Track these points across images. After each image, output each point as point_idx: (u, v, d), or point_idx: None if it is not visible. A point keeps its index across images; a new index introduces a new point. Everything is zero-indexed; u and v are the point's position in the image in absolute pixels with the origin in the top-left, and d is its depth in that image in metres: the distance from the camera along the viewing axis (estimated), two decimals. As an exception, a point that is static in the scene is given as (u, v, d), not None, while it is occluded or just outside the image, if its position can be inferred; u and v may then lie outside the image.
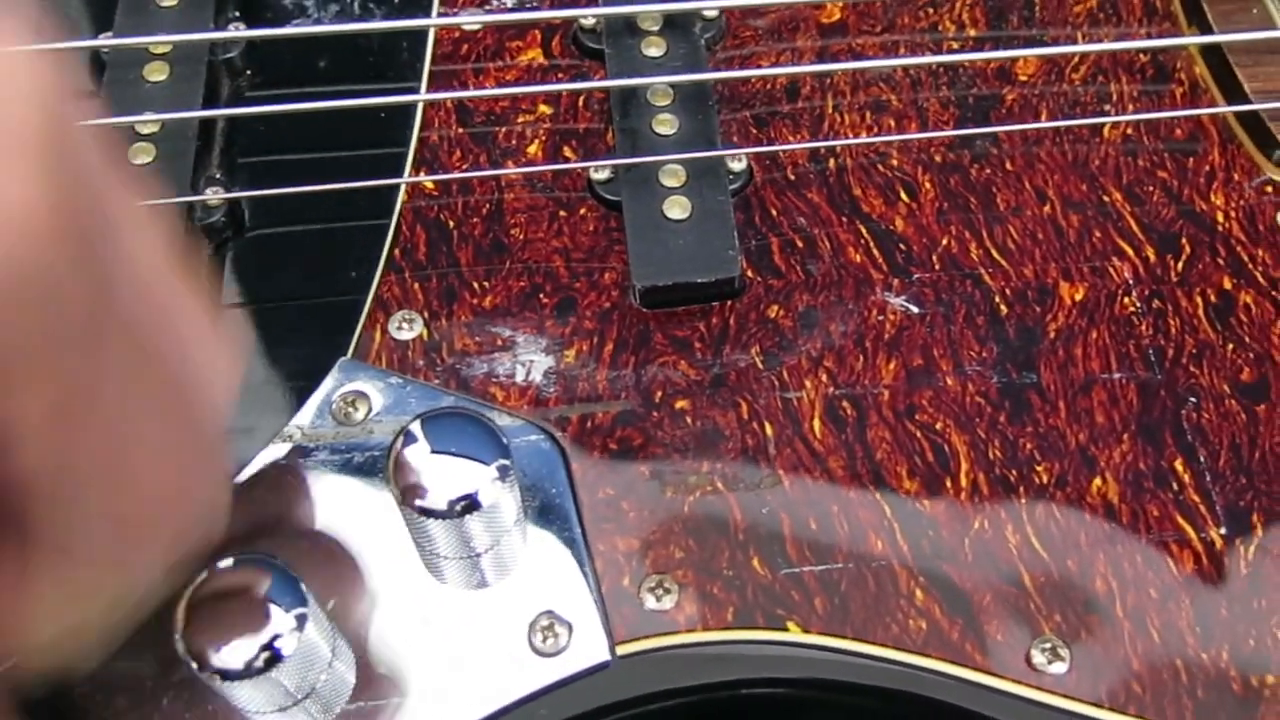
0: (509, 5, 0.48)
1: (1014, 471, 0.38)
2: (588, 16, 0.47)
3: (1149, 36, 0.48)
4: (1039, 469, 0.38)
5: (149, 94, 0.44)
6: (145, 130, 0.43)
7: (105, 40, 0.45)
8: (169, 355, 0.23)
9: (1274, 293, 0.42)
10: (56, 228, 0.18)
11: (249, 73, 0.47)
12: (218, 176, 0.44)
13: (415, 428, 0.34)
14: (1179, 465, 0.39)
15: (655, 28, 0.46)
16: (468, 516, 0.34)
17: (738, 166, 0.43)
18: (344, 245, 0.43)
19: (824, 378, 0.40)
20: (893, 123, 0.45)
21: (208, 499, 0.26)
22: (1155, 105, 0.46)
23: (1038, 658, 0.36)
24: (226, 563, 0.33)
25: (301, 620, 0.32)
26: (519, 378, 0.40)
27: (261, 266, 0.42)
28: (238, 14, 0.48)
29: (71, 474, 0.21)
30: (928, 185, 0.44)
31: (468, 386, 0.40)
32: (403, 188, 0.44)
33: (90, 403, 0.20)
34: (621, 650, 0.36)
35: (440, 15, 0.48)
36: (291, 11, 0.48)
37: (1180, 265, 0.42)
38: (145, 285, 0.22)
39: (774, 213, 0.43)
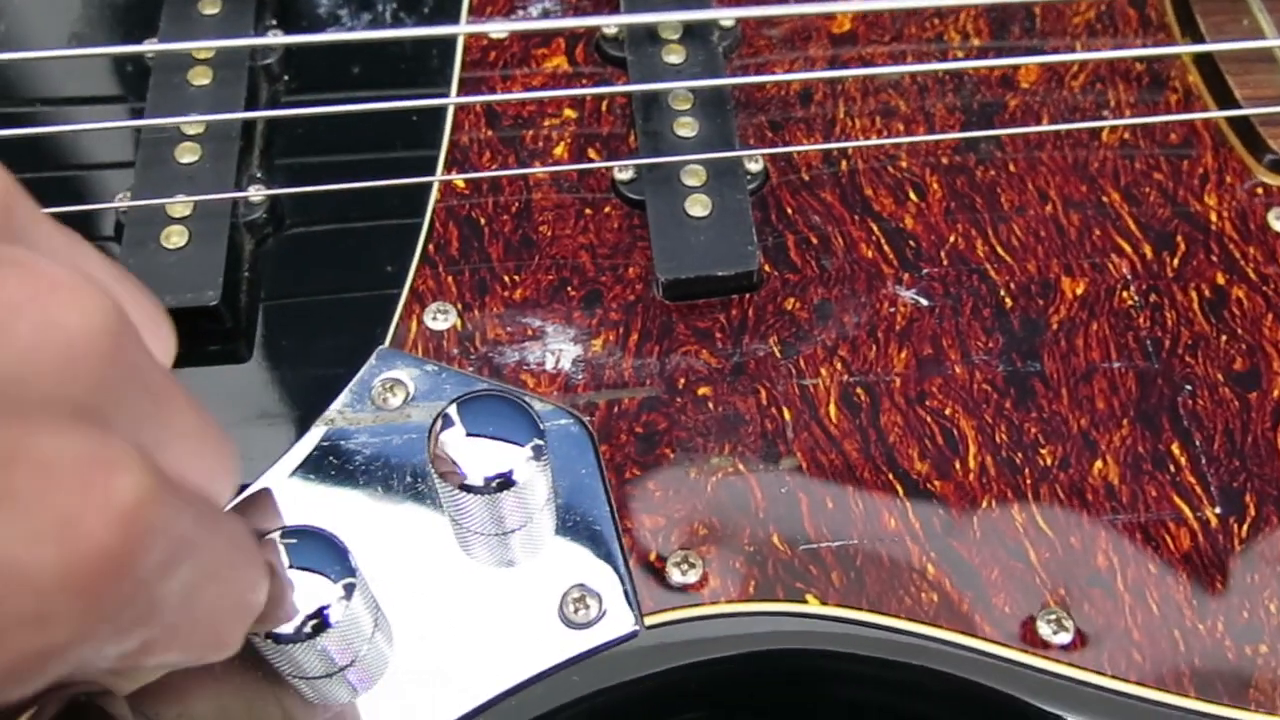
0: (534, 15, 0.51)
1: (1019, 454, 0.40)
2: (610, 25, 0.49)
3: (1144, 46, 0.50)
4: (1043, 452, 0.40)
5: (193, 97, 0.46)
6: (191, 131, 0.45)
7: (151, 45, 0.47)
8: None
9: (1265, 288, 0.44)
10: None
11: (286, 78, 0.49)
12: (259, 175, 0.46)
13: (453, 410, 0.36)
14: (1176, 449, 0.41)
15: (675, 36, 0.48)
16: (503, 494, 0.36)
17: (755, 167, 0.46)
18: (380, 241, 0.45)
19: (839, 366, 0.42)
20: (901, 127, 0.48)
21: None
22: (1151, 111, 0.48)
23: (1043, 629, 0.38)
24: (276, 533, 0.34)
25: (349, 590, 0.34)
26: (549, 366, 0.42)
27: (302, 261, 0.44)
28: (275, 22, 0.50)
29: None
30: (935, 186, 0.46)
31: (500, 374, 0.42)
32: (435, 186, 0.46)
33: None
34: (649, 621, 0.38)
35: (469, 23, 0.50)
36: (327, 20, 0.51)
37: (1176, 262, 0.44)
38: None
39: (790, 211, 0.45)
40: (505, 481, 0.36)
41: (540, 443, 0.36)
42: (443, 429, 0.36)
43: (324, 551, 0.35)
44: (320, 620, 0.34)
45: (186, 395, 0.28)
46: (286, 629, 0.34)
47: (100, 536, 0.22)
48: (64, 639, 0.23)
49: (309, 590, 0.34)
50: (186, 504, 0.26)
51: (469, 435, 0.36)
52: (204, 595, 0.27)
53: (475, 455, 0.36)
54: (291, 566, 0.34)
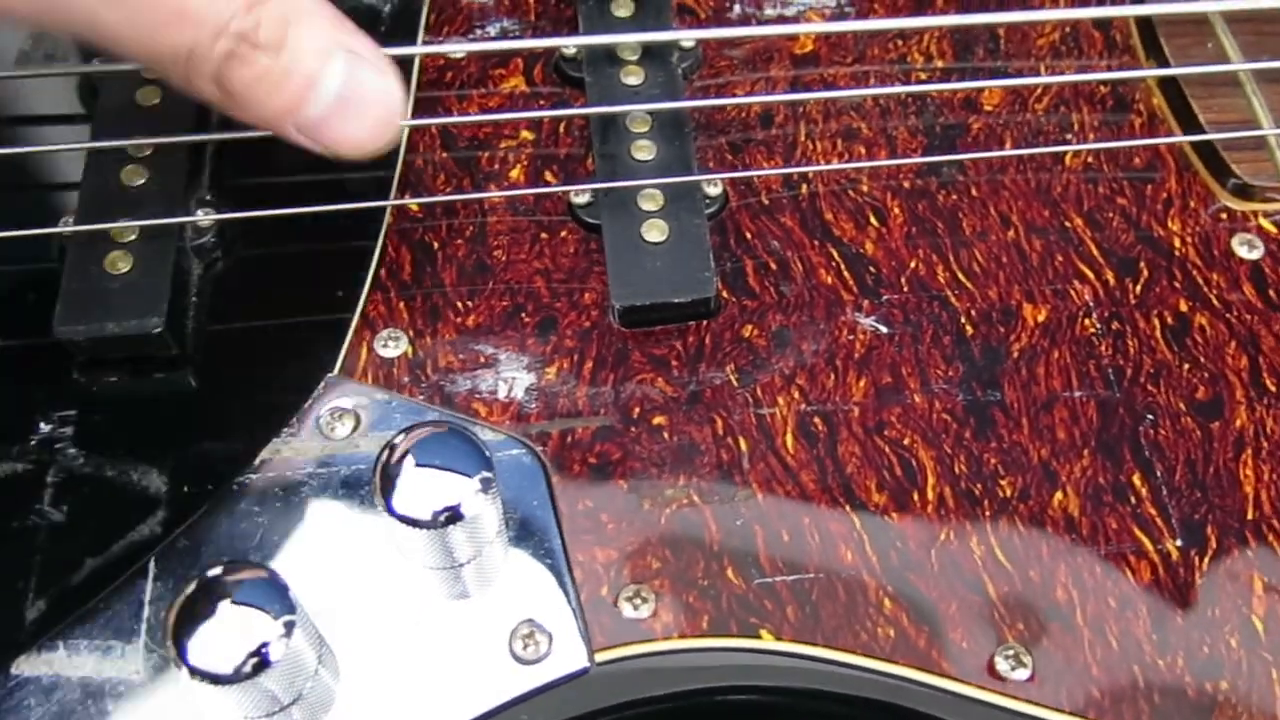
0: (492, 34, 0.50)
1: (979, 485, 0.40)
2: (569, 46, 0.48)
3: (1109, 69, 0.50)
4: (1003, 483, 0.40)
5: (142, 118, 0.45)
6: (138, 153, 0.44)
7: (99, 66, 0.46)
8: None
9: (1228, 315, 0.43)
10: None
11: (239, 98, 0.48)
12: (208, 199, 0.45)
13: (401, 441, 0.36)
14: (1137, 480, 0.40)
15: (634, 57, 0.47)
16: (451, 527, 0.35)
17: (714, 191, 0.45)
18: (331, 266, 0.44)
19: (796, 395, 0.41)
20: (863, 150, 0.47)
21: None
22: (1115, 135, 0.48)
23: (1001, 665, 0.37)
24: (217, 569, 0.34)
25: (290, 627, 0.33)
26: (501, 394, 0.41)
27: (250, 286, 0.44)
28: (228, 41, 0.49)
29: None
30: (896, 210, 0.45)
31: (451, 402, 0.41)
32: (388, 210, 0.45)
33: None
34: (600, 657, 0.37)
35: (426, 43, 0.49)
36: (281, 39, 0.50)
37: (1139, 288, 0.44)
38: None
39: (749, 236, 0.45)
40: (453, 515, 0.35)
41: (488, 475, 0.35)
42: (390, 461, 0.35)
43: (264, 588, 0.34)
44: (260, 659, 0.33)
45: None
46: (226, 668, 0.33)
47: None
48: None
49: (249, 627, 0.33)
50: None
51: (417, 467, 0.35)
52: None
53: (423, 488, 0.35)
54: (232, 603, 0.33)
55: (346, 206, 0.44)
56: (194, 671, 0.32)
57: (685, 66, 0.48)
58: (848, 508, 0.39)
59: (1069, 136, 0.48)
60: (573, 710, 0.38)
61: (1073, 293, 0.44)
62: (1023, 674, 0.37)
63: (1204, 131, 0.47)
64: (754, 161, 0.47)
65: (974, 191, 0.46)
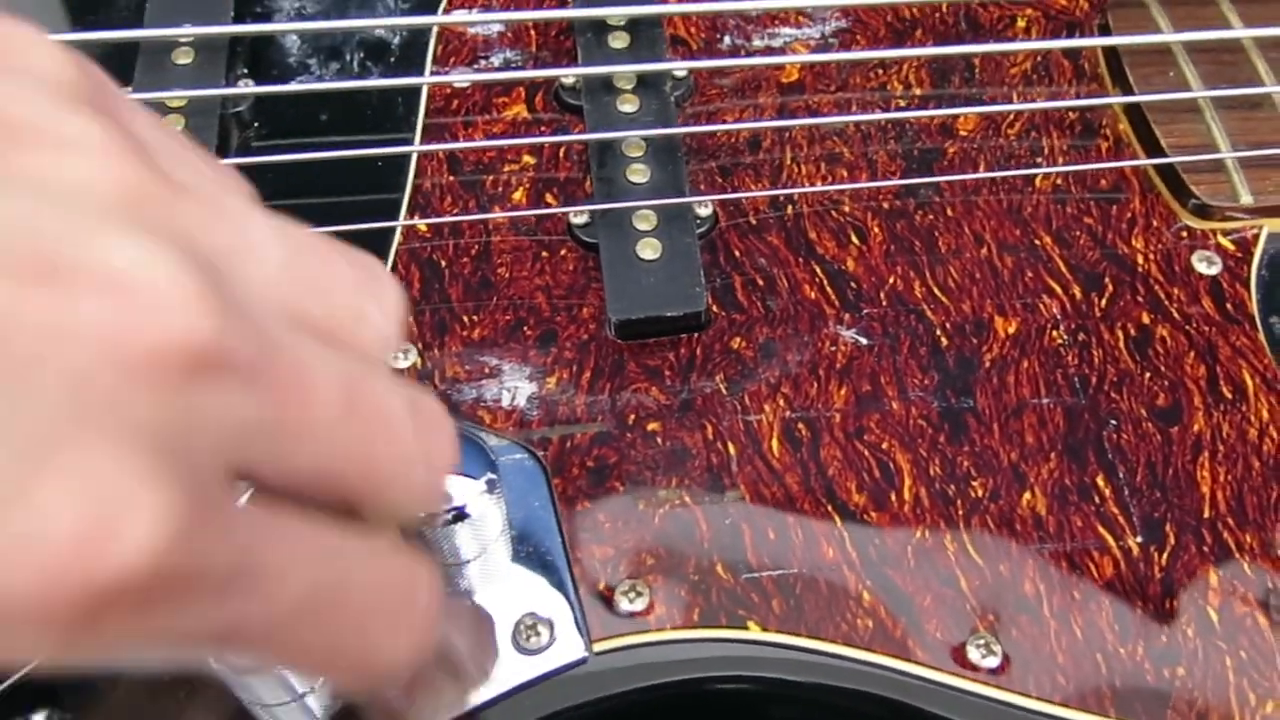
0: (496, 65, 0.53)
1: (952, 486, 0.42)
2: (568, 76, 0.51)
3: (1078, 96, 0.53)
4: (975, 484, 0.43)
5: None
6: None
7: (127, 94, 0.49)
8: None
9: (1187, 327, 0.46)
10: None
11: (257, 125, 0.51)
12: (229, 220, 0.48)
13: (412, 445, 0.38)
14: (1100, 481, 0.43)
15: (629, 86, 0.50)
16: (457, 526, 0.38)
17: (704, 212, 0.48)
18: (344, 282, 0.46)
19: (781, 402, 0.44)
20: (845, 173, 0.50)
21: None
22: (1083, 158, 0.51)
23: (973, 653, 0.40)
24: None
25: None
26: (505, 402, 0.44)
27: (269, 302, 0.46)
28: (246, 71, 0.52)
29: None
30: (876, 230, 0.48)
31: (458, 411, 0.44)
32: (398, 230, 0.48)
33: None
34: (598, 647, 0.40)
35: (433, 74, 0.52)
36: (296, 69, 0.53)
37: (1104, 302, 0.47)
38: None
39: (737, 254, 0.47)
40: (459, 514, 0.38)
41: (494, 477, 0.38)
42: (401, 464, 0.38)
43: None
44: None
45: None
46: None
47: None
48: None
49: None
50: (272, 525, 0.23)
51: (426, 470, 0.38)
52: (335, 610, 0.23)
53: (432, 489, 0.38)
54: None
55: (359, 227, 0.47)
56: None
57: (678, 95, 0.51)
58: (829, 507, 0.42)
59: (1039, 160, 0.51)
60: (574, 699, 0.40)
61: (1041, 306, 0.46)
62: (993, 662, 0.40)
63: (1166, 155, 0.50)
64: (742, 184, 0.50)
65: (949, 211, 0.49)
